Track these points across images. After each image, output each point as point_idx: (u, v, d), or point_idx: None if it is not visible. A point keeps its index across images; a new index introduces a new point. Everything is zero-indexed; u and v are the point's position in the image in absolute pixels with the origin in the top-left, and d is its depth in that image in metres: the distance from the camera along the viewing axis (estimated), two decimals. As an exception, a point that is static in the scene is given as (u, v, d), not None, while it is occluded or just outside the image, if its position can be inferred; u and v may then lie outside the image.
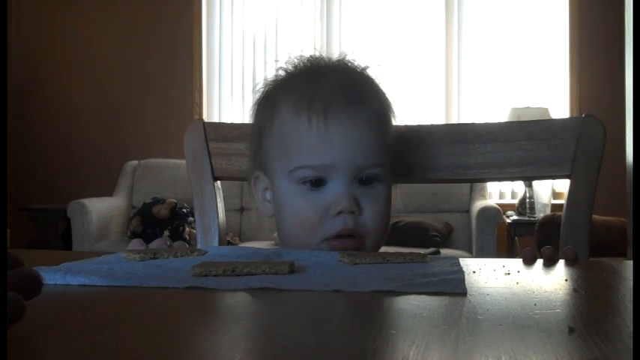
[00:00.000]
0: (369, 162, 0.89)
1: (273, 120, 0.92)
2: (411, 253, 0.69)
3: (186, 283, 0.56)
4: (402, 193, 1.08)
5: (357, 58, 0.96)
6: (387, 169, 0.91)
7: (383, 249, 0.89)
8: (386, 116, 0.94)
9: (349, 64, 0.95)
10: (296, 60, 0.95)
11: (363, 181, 0.89)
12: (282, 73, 0.95)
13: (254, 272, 0.60)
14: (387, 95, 0.96)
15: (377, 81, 0.95)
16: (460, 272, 0.62)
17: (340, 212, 0.87)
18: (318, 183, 0.88)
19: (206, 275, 0.60)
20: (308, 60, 0.95)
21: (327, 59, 0.95)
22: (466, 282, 0.57)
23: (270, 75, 0.97)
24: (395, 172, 0.97)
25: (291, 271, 0.61)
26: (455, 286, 0.55)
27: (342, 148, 0.87)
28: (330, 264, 0.67)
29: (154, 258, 0.70)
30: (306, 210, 0.88)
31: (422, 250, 0.84)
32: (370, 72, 0.96)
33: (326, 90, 0.89)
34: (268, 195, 0.95)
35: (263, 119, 0.94)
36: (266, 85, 0.96)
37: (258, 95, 0.96)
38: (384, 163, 0.91)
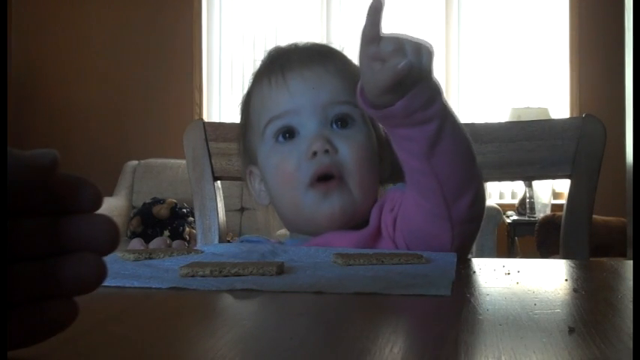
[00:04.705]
0: (336, 98, 0.88)
1: (249, 108, 0.95)
2: (407, 254, 0.69)
3: (169, 284, 0.56)
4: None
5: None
6: (361, 113, 0.88)
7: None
8: (353, 70, 0.90)
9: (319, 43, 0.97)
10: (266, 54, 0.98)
11: (337, 123, 0.88)
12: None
13: (241, 273, 0.60)
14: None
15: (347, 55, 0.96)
16: (451, 274, 0.60)
17: (314, 153, 0.85)
18: (290, 134, 0.88)
19: (193, 276, 0.59)
20: (274, 49, 0.97)
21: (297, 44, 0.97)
22: (466, 282, 0.57)
23: None
24: (395, 172, 0.97)
25: (280, 272, 0.61)
26: (438, 288, 0.53)
27: (302, 92, 0.88)
28: (323, 265, 0.67)
29: (150, 258, 0.70)
30: (282, 163, 0.88)
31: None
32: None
33: (284, 57, 0.92)
34: (264, 185, 0.95)
35: (242, 113, 0.97)
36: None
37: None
38: (355, 103, 0.87)
